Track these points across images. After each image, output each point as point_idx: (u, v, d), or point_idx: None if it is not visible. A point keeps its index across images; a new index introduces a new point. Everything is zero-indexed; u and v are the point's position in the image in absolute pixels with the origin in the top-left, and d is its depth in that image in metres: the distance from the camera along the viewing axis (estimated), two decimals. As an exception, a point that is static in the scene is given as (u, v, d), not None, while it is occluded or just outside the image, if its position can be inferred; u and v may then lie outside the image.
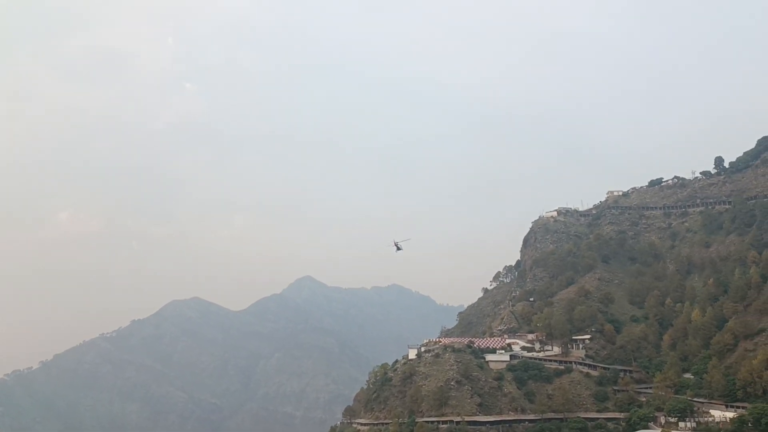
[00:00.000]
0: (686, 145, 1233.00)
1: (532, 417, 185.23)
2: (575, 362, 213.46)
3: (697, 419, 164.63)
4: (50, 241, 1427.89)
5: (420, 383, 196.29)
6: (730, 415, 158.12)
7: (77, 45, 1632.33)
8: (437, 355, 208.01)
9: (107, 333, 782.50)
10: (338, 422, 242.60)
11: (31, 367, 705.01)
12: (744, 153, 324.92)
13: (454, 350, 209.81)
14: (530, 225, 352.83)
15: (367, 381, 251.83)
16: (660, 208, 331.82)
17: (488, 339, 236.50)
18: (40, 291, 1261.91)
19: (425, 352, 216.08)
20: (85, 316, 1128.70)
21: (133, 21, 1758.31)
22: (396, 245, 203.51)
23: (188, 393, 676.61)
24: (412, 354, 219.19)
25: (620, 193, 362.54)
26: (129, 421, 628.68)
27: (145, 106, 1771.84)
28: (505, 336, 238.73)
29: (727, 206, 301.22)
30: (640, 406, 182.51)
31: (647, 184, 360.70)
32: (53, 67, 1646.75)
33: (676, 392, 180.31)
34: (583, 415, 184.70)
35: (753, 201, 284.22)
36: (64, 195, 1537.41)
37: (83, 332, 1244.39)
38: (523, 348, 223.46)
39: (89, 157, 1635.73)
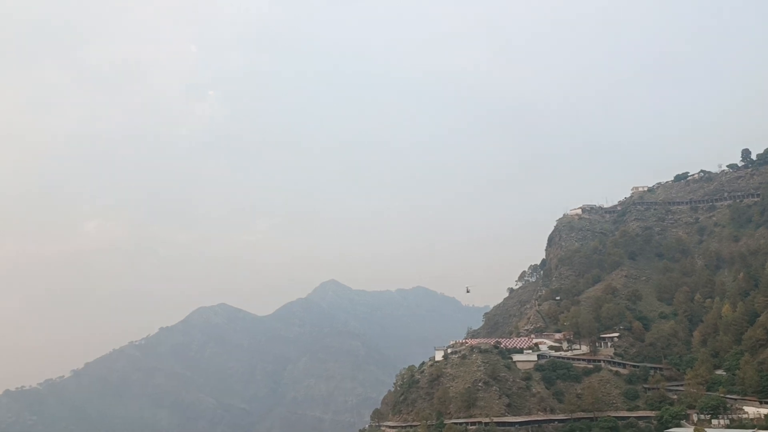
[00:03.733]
0: (713, 138, 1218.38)
1: (561, 417, 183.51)
2: (604, 361, 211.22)
3: (730, 416, 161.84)
4: (79, 251, 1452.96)
5: (447, 385, 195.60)
6: (764, 411, 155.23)
7: (101, 55, 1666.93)
8: (464, 357, 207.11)
9: (136, 341, 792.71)
10: (367, 425, 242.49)
11: (63, 376, 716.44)
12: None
13: (480, 351, 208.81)
14: (554, 223, 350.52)
15: (394, 383, 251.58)
16: (687, 203, 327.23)
17: (515, 339, 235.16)
18: (70, 301, 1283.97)
19: (452, 353, 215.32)
20: (114, 325, 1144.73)
21: (157, 30, 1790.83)
22: (467, 289, 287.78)
23: (217, 399, 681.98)
24: (439, 355, 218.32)
25: (645, 189, 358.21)
26: (160, 428, 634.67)
27: (169, 113, 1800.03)
28: (532, 336, 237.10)
29: (755, 199, 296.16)
30: (671, 404, 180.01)
31: (673, 178, 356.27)
32: (77, 77, 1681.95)
33: (708, 389, 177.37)
34: (613, 414, 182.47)
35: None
36: (91, 205, 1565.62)
37: (113, 340, 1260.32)
38: (551, 347, 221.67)
39: (114, 166, 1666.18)
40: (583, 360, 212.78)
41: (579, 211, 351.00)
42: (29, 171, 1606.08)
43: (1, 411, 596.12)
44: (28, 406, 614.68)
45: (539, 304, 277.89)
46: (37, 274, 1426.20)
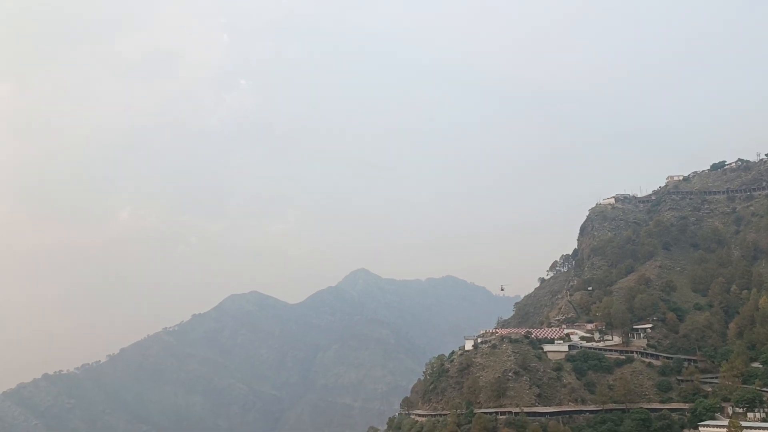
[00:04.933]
0: (751, 125, 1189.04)
1: (592, 408, 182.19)
2: (636, 352, 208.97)
3: (766, 410, 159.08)
4: (113, 239, 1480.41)
5: (477, 374, 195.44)
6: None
7: (131, 46, 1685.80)
8: (494, 346, 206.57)
9: (170, 327, 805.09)
10: (396, 413, 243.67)
11: (99, 361, 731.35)
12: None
13: (511, 341, 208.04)
14: (587, 212, 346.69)
15: (423, 372, 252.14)
16: (723, 192, 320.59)
17: (546, 329, 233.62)
18: (105, 288, 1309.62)
19: (482, 342, 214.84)
20: (148, 311, 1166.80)
21: (188, 19, 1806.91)
22: (501, 287, 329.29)
23: (249, 385, 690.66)
24: (469, 345, 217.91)
25: (681, 178, 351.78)
26: (193, 413, 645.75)
27: (201, 103, 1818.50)
28: (564, 326, 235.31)
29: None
30: (705, 397, 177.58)
31: (709, 167, 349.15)
32: (111, 67, 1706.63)
33: (744, 382, 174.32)
34: (645, 405, 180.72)
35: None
36: (124, 194, 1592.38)
37: (147, 327, 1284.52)
38: (582, 338, 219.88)
39: (146, 156, 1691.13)
40: (615, 351, 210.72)
41: (612, 201, 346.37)
42: (65, 160, 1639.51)
43: (40, 394, 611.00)
44: (65, 389, 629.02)
45: (571, 294, 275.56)
46: (72, 262, 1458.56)
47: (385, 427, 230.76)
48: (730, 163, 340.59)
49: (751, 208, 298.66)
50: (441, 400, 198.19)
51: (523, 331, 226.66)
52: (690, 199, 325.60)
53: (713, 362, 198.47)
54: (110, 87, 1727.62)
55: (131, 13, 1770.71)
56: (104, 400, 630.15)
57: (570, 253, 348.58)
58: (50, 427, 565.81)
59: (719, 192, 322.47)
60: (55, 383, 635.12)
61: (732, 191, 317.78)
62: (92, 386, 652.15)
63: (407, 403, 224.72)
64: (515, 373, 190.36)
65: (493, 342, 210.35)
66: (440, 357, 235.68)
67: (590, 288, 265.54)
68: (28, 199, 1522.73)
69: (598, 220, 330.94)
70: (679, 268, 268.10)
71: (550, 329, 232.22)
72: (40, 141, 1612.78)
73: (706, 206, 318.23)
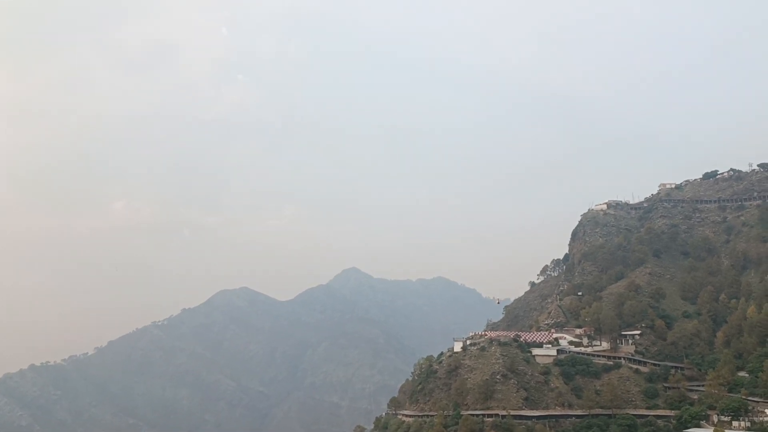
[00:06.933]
0: (744, 136, 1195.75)
1: (579, 412, 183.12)
2: (624, 358, 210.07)
3: (751, 418, 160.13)
4: (105, 230, 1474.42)
5: (465, 376, 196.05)
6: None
7: (131, 36, 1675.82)
8: (483, 348, 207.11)
9: (159, 321, 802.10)
10: (383, 413, 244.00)
11: (87, 353, 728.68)
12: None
13: (500, 344, 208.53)
14: (579, 218, 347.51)
15: (412, 373, 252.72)
16: (715, 202, 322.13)
17: (535, 333, 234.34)
18: (96, 279, 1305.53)
19: (471, 344, 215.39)
20: (137, 304, 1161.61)
21: (189, 11, 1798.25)
22: (497, 301, 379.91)
23: (237, 381, 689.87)
24: (458, 346, 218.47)
25: (673, 186, 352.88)
26: (180, 407, 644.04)
27: (199, 97, 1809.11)
28: (553, 330, 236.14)
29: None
30: (691, 404, 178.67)
31: (701, 176, 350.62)
32: (108, 57, 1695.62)
33: (730, 390, 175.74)
34: (632, 411, 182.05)
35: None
36: (119, 185, 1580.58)
37: (136, 320, 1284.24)
38: (571, 343, 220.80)
39: (143, 147, 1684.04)
40: (603, 356, 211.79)
41: (604, 207, 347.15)
42: (60, 148, 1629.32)
43: (26, 385, 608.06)
44: (52, 381, 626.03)
45: (561, 299, 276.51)
46: (63, 252, 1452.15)
47: (372, 426, 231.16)
48: (723, 173, 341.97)
49: (742, 218, 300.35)
50: (428, 401, 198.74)
51: (512, 334, 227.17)
52: (681, 207, 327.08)
53: (700, 370, 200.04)
54: (108, 76, 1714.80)
55: (132, 3, 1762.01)
56: (91, 393, 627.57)
57: (561, 257, 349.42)
58: (36, 418, 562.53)
59: (711, 201, 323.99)
60: (42, 374, 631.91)
61: (723, 201, 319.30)
62: (79, 378, 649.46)
63: (395, 403, 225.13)
64: (503, 375, 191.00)
65: (482, 344, 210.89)
66: (429, 358, 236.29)
67: (580, 293, 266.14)
68: (20, 186, 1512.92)
69: (590, 225, 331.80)
70: (668, 276, 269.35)
71: (539, 333, 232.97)
72: (36, 128, 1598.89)
73: (697, 215, 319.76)
